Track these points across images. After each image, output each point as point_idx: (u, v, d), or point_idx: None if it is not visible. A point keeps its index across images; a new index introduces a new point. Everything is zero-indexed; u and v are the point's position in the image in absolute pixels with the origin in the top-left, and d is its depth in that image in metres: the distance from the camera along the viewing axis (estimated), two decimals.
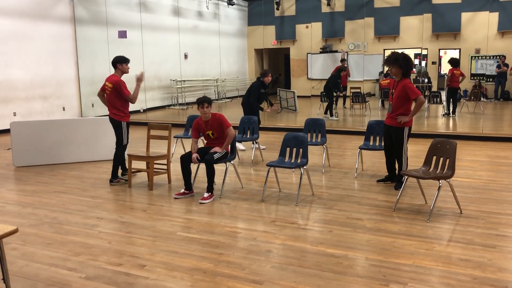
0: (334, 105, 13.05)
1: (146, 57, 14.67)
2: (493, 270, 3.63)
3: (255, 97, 8.49)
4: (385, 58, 6.00)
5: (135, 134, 10.97)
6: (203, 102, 5.68)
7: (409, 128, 5.85)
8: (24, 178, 7.02)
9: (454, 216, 4.90)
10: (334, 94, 12.87)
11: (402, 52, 5.88)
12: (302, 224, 4.79)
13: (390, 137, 5.97)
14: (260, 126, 8.91)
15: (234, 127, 6.02)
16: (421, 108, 5.79)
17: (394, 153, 5.99)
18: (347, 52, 18.71)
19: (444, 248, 4.07)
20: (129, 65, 6.63)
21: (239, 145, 8.64)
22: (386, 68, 13.13)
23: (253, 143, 8.04)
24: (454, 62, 12.75)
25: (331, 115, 12.67)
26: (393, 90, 5.87)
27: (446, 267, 3.69)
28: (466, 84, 17.30)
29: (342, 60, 13.40)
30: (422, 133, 10.10)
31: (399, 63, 5.74)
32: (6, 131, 10.10)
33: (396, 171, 6.10)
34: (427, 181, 5.71)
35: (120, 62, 6.52)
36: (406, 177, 5.21)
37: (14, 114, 11.69)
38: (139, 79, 6.60)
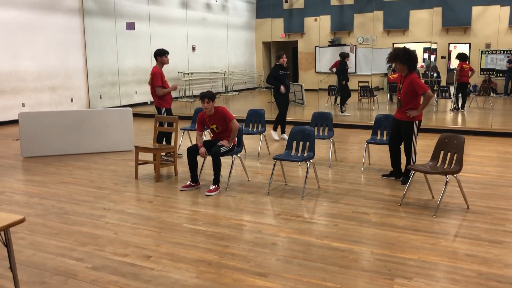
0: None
1: (154, 49, 14.62)
2: (499, 266, 3.60)
3: (271, 79, 8.95)
4: (387, 56, 5.91)
5: (143, 126, 11.01)
6: (204, 97, 5.66)
7: (419, 122, 5.80)
8: (32, 168, 7.07)
9: (461, 212, 4.87)
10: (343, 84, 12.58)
11: (403, 47, 5.81)
12: (308, 218, 4.79)
13: (398, 132, 5.93)
14: (267, 119, 8.87)
15: (241, 120, 6.03)
16: (429, 102, 5.74)
17: (400, 148, 5.96)
18: (355, 45, 18.58)
19: (450, 244, 4.05)
20: (168, 56, 7.40)
21: (273, 135, 9.01)
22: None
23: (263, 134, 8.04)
24: (462, 57, 12.63)
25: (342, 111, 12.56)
26: (401, 85, 5.83)
27: (452, 263, 3.68)
28: (475, 79, 17.13)
29: (345, 56, 12.91)
30: (430, 127, 10.03)
31: (400, 59, 5.68)
32: (15, 122, 10.17)
33: (405, 165, 6.07)
34: (434, 176, 5.68)
35: (159, 55, 7.29)
36: (413, 171, 5.18)
37: (23, 105, 11.77)
38: (173, 88, 7.46)
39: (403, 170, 6.06)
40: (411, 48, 5.94)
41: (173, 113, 7.56)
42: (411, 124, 5.75)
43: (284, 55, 8.95)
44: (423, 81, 15.81)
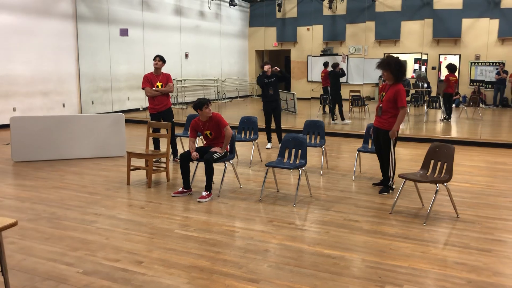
0: (336, 107, 12.93)
1: (147, 56, 14.69)
2: (489, 274, 3.65)
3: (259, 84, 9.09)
4: (379, 62, 5.99)
5: (135, 132, 11.00)
6: (202, 104, 5.66)
7: (396, 131, 5.85)
8: (23, 173, 7.03)
9: (450, 220, 4.93)
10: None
11: (396, 57, 5.90)
12: (300, 225, 4.81)
13: (379, 139, 6.00)
14: (259, 127, 8.88)
15: (234, 127, 6.07)
16: (403, 119, 5.80)
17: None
18: (347, 55, 18.74)
19: (440, 252, 4.10)
20: (155, 61, 7.72)
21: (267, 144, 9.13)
22: None
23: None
24: (451, 68, 12.80)
25: (342, 119, 12.62)
26: (383, 93, 5.89)
27: (442, 270, 3.72)
28: (465, 90, 17.40)
29: (337, 65, 12.97)
30: (420, 137, 10.14)
31: (391, 68, 5.76)
32: (6, 126, 10.11)
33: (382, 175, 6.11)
34: (424, 185, 5.74)
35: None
36: (404, 180, 5.23)
37: (14, 109, 11.70)
38: (161, 90, 7.50)
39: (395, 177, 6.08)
40: (403, 59, 6.02)
41: (161, 120, 7.48)
42: (388, 133, 5.82)
43: (264, 65, 8.95)
44: (413, 91, 15.97)
